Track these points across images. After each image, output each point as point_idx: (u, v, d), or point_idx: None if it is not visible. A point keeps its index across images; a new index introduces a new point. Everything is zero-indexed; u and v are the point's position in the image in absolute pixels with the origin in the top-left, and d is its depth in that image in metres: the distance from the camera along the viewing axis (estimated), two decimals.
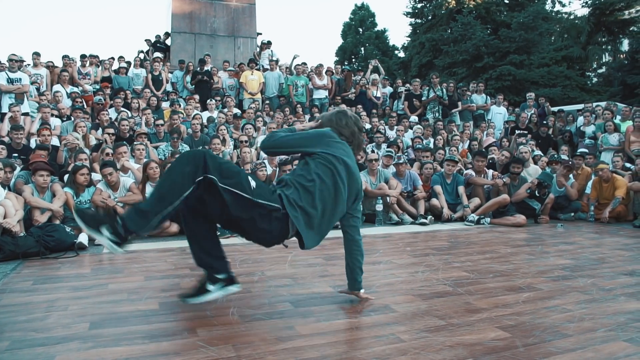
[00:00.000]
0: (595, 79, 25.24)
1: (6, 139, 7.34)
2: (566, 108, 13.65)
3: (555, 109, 13.30)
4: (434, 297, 3.20)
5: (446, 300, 3.13)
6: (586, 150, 9.20)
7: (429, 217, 6.92)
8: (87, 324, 2.67)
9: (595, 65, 25.58)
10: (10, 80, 8.59)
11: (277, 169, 6.96)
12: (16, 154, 6.88)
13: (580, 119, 11.16)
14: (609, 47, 24.90)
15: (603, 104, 12.56)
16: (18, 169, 6.20)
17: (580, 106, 13.12)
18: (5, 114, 8.23)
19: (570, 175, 7.83)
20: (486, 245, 5.27)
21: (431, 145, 9.34)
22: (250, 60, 12.24)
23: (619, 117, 10.49)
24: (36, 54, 10.30)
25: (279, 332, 2.54)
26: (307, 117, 10.96)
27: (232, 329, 2.60)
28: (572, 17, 25.41)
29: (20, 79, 8.68)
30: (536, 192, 7.03)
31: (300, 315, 2.82)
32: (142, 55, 13.13)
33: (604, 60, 25.48)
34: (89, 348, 2.34)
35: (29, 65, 10.23)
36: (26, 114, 8.44)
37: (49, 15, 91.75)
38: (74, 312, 2.89)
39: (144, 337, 2.47)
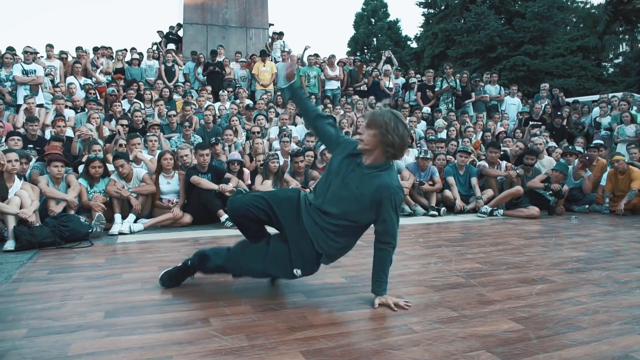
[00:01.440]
0: (611, 69, 24.88)
1: (22, 130, 7.41)
2: (581, 99, 13.48)
3: (570, 99, 13.14)
4: (446, 288, 3.20)
5: (459, 291, 3.12)
6: (601, 142, 9.08)
7: (442, 208, 6.89)
8: (102, 313, 2.70)
9: (611, 55, 25.20)
10: (25, 72, 8.66)
11: (289, 160, 6.96)
12: (31, 145, 6.94)
13: (596, 110, 11.01)
14: (627, 36, 24.51)
15: (619, 94, 12.38)
16: (33, 160, 6.27)
17: (596, 97, 12.94)
18: (20, 105, 8.31)
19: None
20: (499, 236, 5.23)
21: (444, 137, 9.28)
22: (262, 51, 12.22)
23: (635, 108, 10.33)
24: (49, 46, 10.37)
25: (291, 322, 2.55)
26: (320, 107, 10.93)
27: (245, 318, 2.61)
28: (588, 6, 25.05)
29: (35, 71, 8.74)
30: (548, 191, 6.94)
31: (313, 306, 2.83)
32: (155, 47, 13.15)
33: (620, 50, 25.08)
34: (104, 336, 2.37)
35: (42, 57, 10.30)
36: (41, 106, 8.51)
37: (62, 7, 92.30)
38: (89, 301, 2.93)
39: (158, 326, 2.50)
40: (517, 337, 2.35)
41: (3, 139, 6.76)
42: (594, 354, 2.16)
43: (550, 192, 6.86)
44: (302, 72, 11.85)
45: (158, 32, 14.61)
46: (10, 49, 9.61)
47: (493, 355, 2.14)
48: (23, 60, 8.89)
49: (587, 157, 7.58)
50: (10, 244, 4.54)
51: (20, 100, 8.46)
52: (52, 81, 9.83)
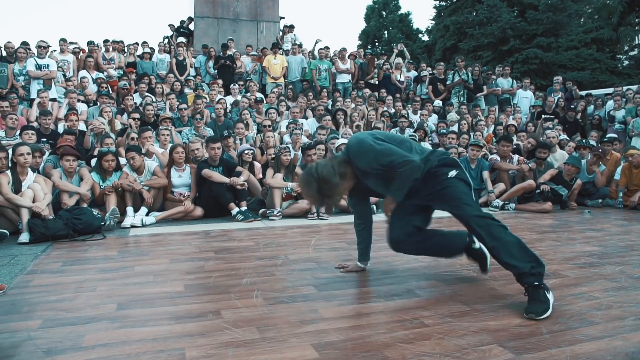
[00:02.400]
0: (626, 62, 24.49)
1: (35, 124, 7.48)
2: (595, 92, 13.31)
3: (584, 93, 12.98)
4: (458, 282, 3.19)
5: (470, 285, 3.11)
6: (615, 136, 8.96)
7: None
8: (115, 305, 2.73)
9: (626, 48, 24.79)
10: (39, 67, 8.73)
11: (301, 153, 6.95)
12: (45, 139, 7.01)
13: (610, 103, 10.87)
14: None
15: (634, 87, 12.19)
16: (47, 153, 6.33)
17: (610, 90, 12.77)
18: (34, 99, 8.39)
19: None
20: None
21: (455, 130, 9.22)
22: (273, 44, 12.21)
23: None
24: (63, 40, 10.45)
25: (302, 315, 2.56)
26: (330, 101, 10.91)
27: (257, 311, 2.62)
28: None
29: (48, 65, 8.81)
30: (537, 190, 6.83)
31: (324, 299, 2.83)
32: (166, 41, 13.19)
33: (636, 42, 24.67)
34: (117, 328, 2.39)
35: (55, 51, 10.37)
36: (54, 100, 8.59)
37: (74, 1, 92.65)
38: (102, 293, 2.96)
39: (170, 318, 2.52)
40: (529, 332, 2.34)
41: (17, 133, 6.84)
42: (607, 350, 2.14)
43: (539, 190, 6.76)
44: (313, 65, 11.82)
45: (169, 25, 14.65)
46: (24, 44, 9.69)
47: (505, 350, 2.13)
48: (36, 54, 8.96)
49: (600, 150, 7.49)
50: (24, 237, 4.60)
51: (33, 94, 8.54)
52: (65, 75, 9.90)
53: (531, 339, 2.25)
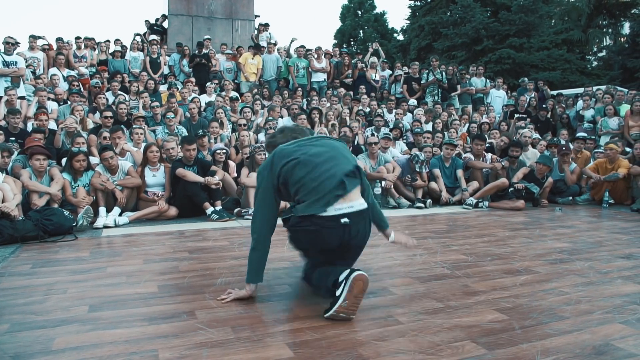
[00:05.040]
0: (595, 63, 25.12)
1: (3, 123, 7.29)
2: (565, 92, 13.59)
3: (554, 92, 13.25)
4: (432, 279, 3.22)
5: (444, 282, 3.14)
6: (586, 135, 9.17)
7: (428, 200, 6.92)
8: (86, 307, 2.68)
9: (595, 49, 25.43)
10: (6, 64, 8.49)
11: None
12: (13, 138, 6.84)
13: (580, 103, 11.12)
14: (610, 30, 24.76)
15: (603, 87, 12.50)
16: (15, 153, 6.18)
17: (580, 90, 13.06)
18: (1, 97, 8.16)
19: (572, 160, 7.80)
20: (484, 228, 5.28)
21: (430, 129, 9.31)
22: (256, 45, 12.12)
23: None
24: (33, 37, 10.19)
25: (277, 315, 2.55)
26: (305, 100, 10.91)
27: (231, 311, 2.61)
28: None
29: (16, 62, 8.56)
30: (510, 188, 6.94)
31: (299, 298, 2.83)
32: (138, 38, 12.98)
33: (604, 43, 25.31)
34: (88, 330, 2.35)
35: (20, 44, 10.09)
36: (22, 98, 8.37)
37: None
38: (73, 295, 2.90)
39: (143, 320, 2.48)
40: (501, 328, 2.37)
41: None
42: (575, 343, 2.20)
43: (512, 189, 6.87)
44: (292, 62, 11.81)
45: (145, 21, 14.45)
46: None
47: (477, 346, 2.16)
48: (4, 51, 8.72)
49: (564, 148, 7.64)
50: None
51: (0, 92, 8.31)
52: (34, 73, 9.66)
53: (503, 334, 2.29)
